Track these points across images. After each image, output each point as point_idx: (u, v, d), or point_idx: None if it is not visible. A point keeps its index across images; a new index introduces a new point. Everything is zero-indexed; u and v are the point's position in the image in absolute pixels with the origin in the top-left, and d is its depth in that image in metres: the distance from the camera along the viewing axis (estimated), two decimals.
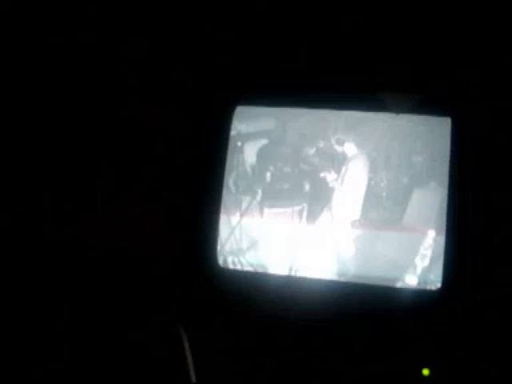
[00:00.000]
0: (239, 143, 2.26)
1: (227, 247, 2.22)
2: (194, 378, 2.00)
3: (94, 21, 2.27)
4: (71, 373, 2.06)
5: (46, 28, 2.28)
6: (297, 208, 2.21)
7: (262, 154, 2.27)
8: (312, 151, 2.23)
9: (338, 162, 2.20)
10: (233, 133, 2.23)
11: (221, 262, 2.20)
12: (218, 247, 2.20)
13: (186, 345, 2.02)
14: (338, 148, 2.20)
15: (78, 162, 2.31)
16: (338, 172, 2.20)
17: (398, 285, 2.09)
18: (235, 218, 2.24)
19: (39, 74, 2.32)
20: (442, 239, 2.03)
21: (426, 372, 1.97)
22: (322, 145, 2.21)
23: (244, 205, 2.25)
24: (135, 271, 2.21)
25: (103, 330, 2.13)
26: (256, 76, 2.23)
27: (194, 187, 2.23)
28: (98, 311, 2.16)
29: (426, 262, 2.08)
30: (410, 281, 2.08)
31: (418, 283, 2.08)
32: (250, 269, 2.22)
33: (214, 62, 2.23)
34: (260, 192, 2.25)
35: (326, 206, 2.21)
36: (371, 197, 2.16)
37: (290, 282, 2.17)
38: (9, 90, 2.32)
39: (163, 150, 2.26)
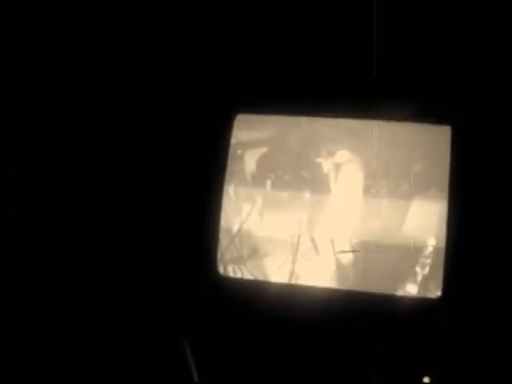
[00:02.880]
0: (239, 151, 2.26)
1: (227, 255, 2.22)
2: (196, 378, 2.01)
3: (94, 21, 2.27)
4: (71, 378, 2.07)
5: (45, 28, 2.28)
6: (297, 216, 2.21)
7: (262, 161, 2.26)
8: (312, 159, 2.23)
9: (337, 169, 2.20)
10: (233, 141, 2.22)
11: (221, 270, 2.20)
12: (218, 255, 2.19)
13: (188, 352, 2.02)
14: (338, 156, 2.20)
15: (77, 162, 2.30)
16: (337, 180, 2.20)
17: (398, 293, 2.08)
18: (235, 226, 2.24)
19: (39, 74, 2.31)
20: (443, 247, 2.03)
21: (426, 381, 1.97)
22: (322, 152, 2.21)
23: (244, 213, 2.24)
24: (134, 277, 2.21)
25: (101, 334, 2.13)
26: (257, 84, 2.23)
27: (194, 195, 2.22)
28: (96, 315, 2.16)
29: (426, 270, 2.08)
30: (410, 289, 2.08)
31: (418, 291, 2.08)
32: (250, 277, 2.21)
33: (215, 69, 2.23)
34: (260, 200, 2.24)
35: (325, 213, 2.21)
36: (371, 205, 2.16)
37: (290, 290, 2.17)
38: (9, 90, 2.31)
39: (163, 156, 2.25)
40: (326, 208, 2.20)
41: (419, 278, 2.08)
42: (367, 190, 2.17)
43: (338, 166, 2.20)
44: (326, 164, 2.21)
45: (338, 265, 2.17)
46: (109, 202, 2.27)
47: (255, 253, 2.22)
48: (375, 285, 2.09)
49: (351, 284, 2.14)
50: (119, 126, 2.30)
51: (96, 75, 2.31)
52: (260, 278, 2.20)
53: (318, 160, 2.20)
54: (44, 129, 2.32)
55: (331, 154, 2.19)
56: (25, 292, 2.21)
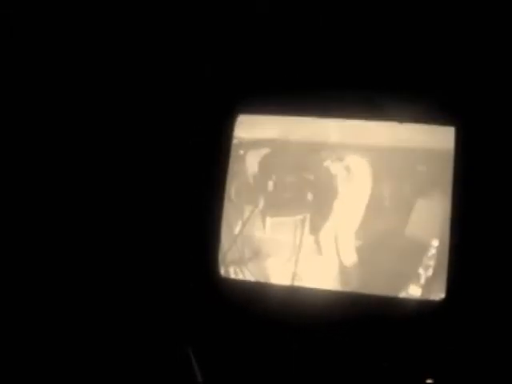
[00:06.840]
0: (241, 152, 2.25)
1: (229, 257, 2.21)
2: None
3: (94, 21, 2.26)
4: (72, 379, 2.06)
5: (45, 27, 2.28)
6: (299, 217, 2.20)
7: (264, 162, 2.25)
8: (314, 160, 2.21)
9: (340, 170, 2.18)
10: (235, 141, 2.21)
11: (222, 271, 2.18)
12: (220, 257, 2.18)
13: (191, 354, 2.02)
14: (341, 157, 2.18)
15: (77, 162, 2.29)
16: (340, 181, 2.18)
17: (402, 295, 2.07)
18: (237, 228, 2.23)
19: (39, 75, 2.31)
20: (446, 249, 2.00)
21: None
22: (324, 153, 2.20)
23: (246, 214, 2.23)
24: (135, 279, 2.20)
25: (103, 336, 2.12)
26: (258, 84, 2.22)
27: (196, 196, 2.22)
28: (98, 318, 2.15)
29: (430, 272, 2.06)
30: (414, 291, 2.07)
31: (422, 293, 2.06)
32: (251, 279, 2.20)
33: (216, 70, 2.22)
34: (262, 201, 2.23)
35: (328, 215, 2.19)
36: (374, 206, 2.14)
37: (292, 292, 2.15)
38: (11, 91, 2.30)
39: (165, 157, 2.24)
40: (328, 209, 2.18)
41: (422, 279, 2.07)
42: (371, 191, 2.15)
43: (341, 167, 2.19)
44: (329, 165, 2.19)
45: (341, 267, 2.15)
46: (110, 202, 2.26)
47: (257, 254, 2.21)
48: (378, 287, 2.07)
49: (354, 286, 2.12)
50: (120, 126, 2.29)
51: (96, 77, 2.30)
52: (262, 279, 2.19)
53: (321, 161, 2.19)
54: (43, 129, 2.31)
55: (334, 154, 2.18)
56: (25, 292, 2.21)
